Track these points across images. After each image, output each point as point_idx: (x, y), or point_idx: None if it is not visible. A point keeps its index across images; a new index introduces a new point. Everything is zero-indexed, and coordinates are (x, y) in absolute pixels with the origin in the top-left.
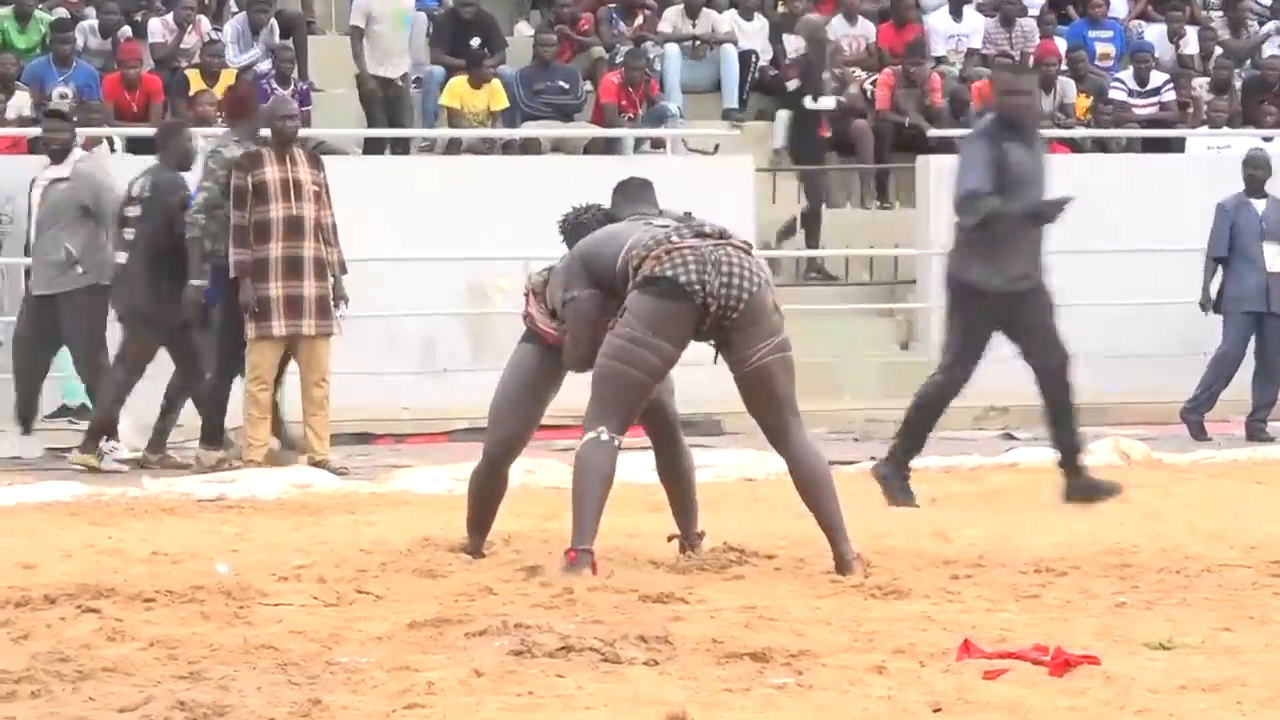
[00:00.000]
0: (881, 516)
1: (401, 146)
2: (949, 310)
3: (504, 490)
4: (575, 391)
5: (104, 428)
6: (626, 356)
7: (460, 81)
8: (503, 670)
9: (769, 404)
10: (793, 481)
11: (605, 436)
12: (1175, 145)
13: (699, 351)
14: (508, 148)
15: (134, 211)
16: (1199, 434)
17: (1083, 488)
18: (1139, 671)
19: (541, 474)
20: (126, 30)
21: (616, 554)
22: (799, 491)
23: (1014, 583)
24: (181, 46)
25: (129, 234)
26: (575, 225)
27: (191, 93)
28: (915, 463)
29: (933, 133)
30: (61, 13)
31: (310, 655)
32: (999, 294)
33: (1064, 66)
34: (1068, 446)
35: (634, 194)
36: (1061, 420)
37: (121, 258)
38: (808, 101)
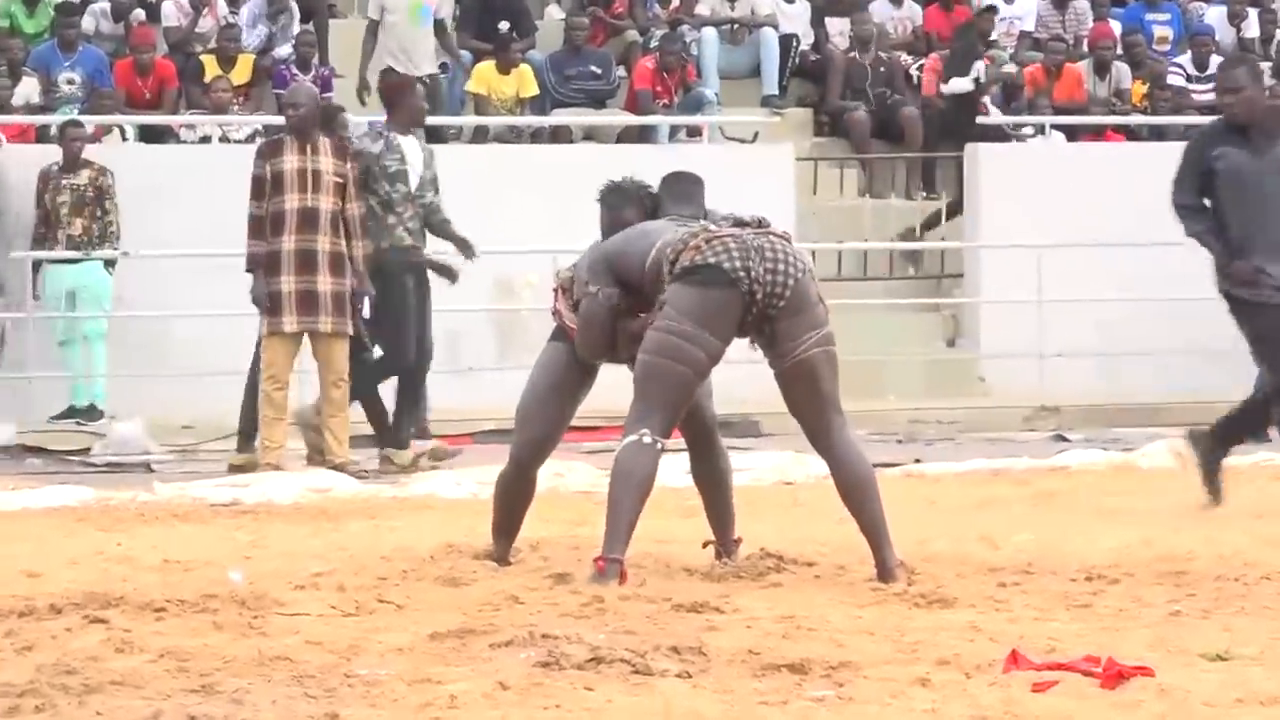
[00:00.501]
0: (926, 521)
1: (436, 136)
2: (1239, 327)
3: (531, 495)
4: (606, 392)
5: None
6: (670, 351)
7: (488, 67)
8: (529, 682)
9: (811, 400)
10: (835, 484)
11: (648, 439)
12: None
13: (736, 350)
14: (537, 136)
15: None
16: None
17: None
18: (1194, 684)
19: (571, 477)
20: (140, 14)
21: (649, 561)
22: (841, 495)
23: (1064, 591)
24: (196, 30)
25: None
26: (615, 188)
27: (207, 79)
28: (962, 466)
29: (982, 119)
30: None
31: (328, 667)
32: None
33: (1119, 51)
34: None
35: (681, 191)
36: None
37: None
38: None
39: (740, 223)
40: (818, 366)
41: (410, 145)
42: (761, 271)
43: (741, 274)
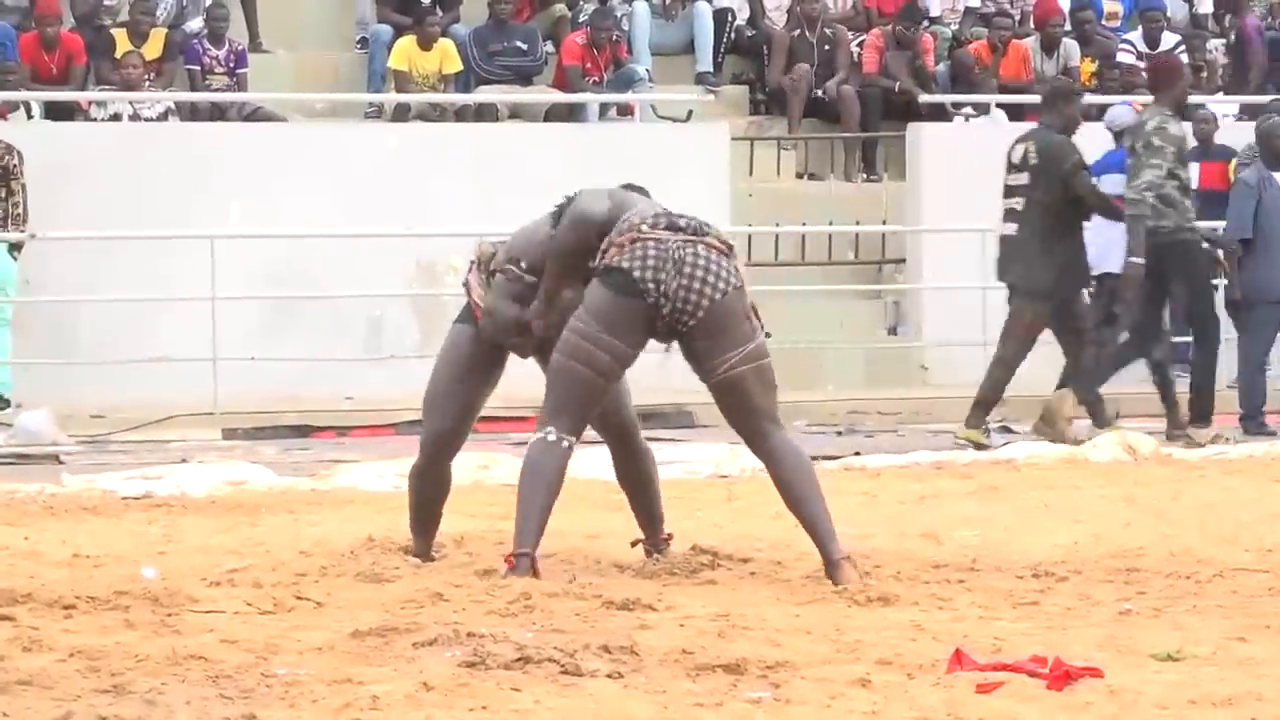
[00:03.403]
0: (866, 516)
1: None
2: None
3: (447, 487)
4: (532, 381)
5: (990, 404)
6: (578, 353)
7: (409, 42)
8: (454, 683)
9: (740, 414)
10: (772, 481)
11: (553, 437)
12: (1189, 113)
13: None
14: (461, 114)
15: (1019, 180)
16: (1262, 430)
17: None
18: (1145, 685)
19: (495, 470)
20: None
21: (578, 557)
22: (779, 490)
23: (1010, 588)
24: (106, 3)
25: (1015, 203)
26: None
27: (118, 54)
28: (904, 459)
29: (925, 99)
30: None
31: (244, 667)
32: None
33: (1068, 27)
34: None
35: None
36: None
37: (1008, 229)
38: None
39: (675, 227)
40: (741, 384)
41: None
42: (674, 286)
43: (650, 285)
